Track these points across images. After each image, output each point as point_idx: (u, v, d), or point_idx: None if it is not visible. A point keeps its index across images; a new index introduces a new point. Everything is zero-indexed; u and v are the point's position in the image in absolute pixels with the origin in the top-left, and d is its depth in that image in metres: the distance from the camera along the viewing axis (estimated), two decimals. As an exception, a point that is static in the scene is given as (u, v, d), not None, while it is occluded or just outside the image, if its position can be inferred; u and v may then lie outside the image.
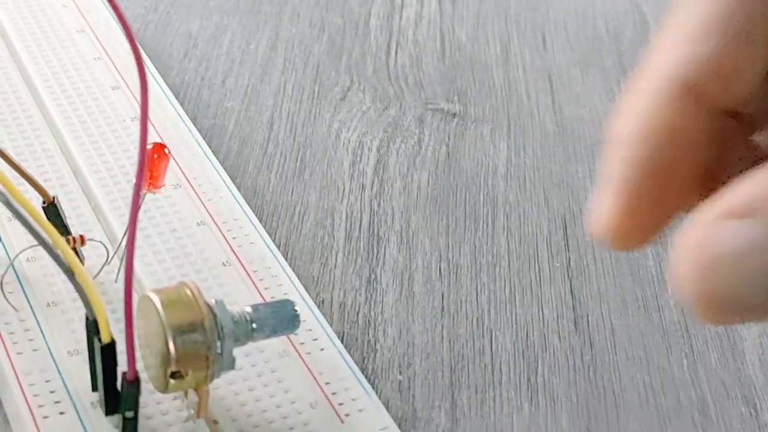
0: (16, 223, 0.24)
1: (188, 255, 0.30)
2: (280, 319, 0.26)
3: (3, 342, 0.26)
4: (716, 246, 0.21)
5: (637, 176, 0.24)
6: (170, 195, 0.32)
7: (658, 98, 0.23)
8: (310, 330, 0.28)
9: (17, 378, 0.26)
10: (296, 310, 0.26)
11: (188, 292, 0.24)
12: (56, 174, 0.32)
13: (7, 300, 0.27)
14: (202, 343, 0.24)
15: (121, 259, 0.29)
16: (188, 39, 0.41)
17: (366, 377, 0.28)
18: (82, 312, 0.24)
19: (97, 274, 0.29)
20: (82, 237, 0.28)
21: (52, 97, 0.35)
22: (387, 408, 0.28)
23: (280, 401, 0.26)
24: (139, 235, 0.26)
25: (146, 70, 0.22)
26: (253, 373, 0.27)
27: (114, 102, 0.35)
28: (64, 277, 0.23)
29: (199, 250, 0.30)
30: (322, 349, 0.28)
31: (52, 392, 0.26)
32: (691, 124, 0.24)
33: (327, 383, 0.27)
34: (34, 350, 0.26)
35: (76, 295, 0.24)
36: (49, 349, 0.27)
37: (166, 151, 0.28)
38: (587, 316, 0.32)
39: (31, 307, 0.28)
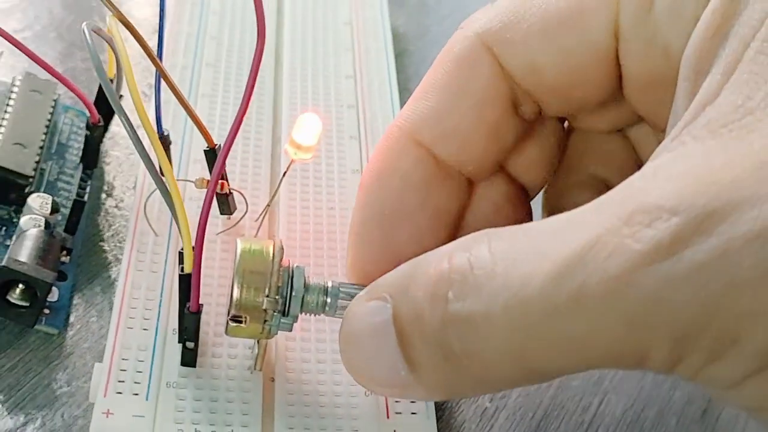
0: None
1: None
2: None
3: (130, 256, 0.29)
4: (351, 322, 0.23)
5: (366, 217, 0.24)
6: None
7: (390, 147, 0.26)
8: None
9: (124, 288, 0.28)
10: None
11: (270, 248, 0.26)
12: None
13: (149, 223, 0.30)
14: (264, 296, 0.25)
15: (263, 215, 0.31)
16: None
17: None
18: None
19: (234, 224, 0.31)
20: (223, 184, 0.30)
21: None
22: (459, 429, 0.27)
23: (339, 380, 0.27)
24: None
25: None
26: (329, 348, 0.28)
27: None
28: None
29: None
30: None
31: (148, 309, 0.28)
32: (422, 172, 0.26)
33: (394, 379, 0.27)
34: (153, 272, 0.29)
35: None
36: (164, 273, 0.29)
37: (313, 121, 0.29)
38: (721, 409, 0.30)
39: (169, 236, 0.30)
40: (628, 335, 0.19)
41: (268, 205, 0.31)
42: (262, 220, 0.31)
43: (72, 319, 0.29)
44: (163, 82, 0.28)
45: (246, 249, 0.25)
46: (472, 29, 0.26)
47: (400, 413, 0.27)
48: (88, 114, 0.32)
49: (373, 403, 0.27)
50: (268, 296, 0.25)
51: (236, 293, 0.25)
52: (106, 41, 0.28)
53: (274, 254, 0.26)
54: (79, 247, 0.31)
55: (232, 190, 0.31)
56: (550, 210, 0.28)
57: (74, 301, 0.30)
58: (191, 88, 0.36)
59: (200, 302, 0.26)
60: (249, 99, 0.25)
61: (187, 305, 0.26)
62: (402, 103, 0.37)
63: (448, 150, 0.26)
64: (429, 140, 0.26)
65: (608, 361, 0.20)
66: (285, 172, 0.30)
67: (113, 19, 0.27)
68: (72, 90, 0.31)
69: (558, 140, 0.28)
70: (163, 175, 0.25)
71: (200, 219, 0.25)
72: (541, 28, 0.25)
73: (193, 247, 0.25)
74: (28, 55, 0.30)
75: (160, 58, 0.29)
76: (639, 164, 0.27)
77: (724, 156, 0.19)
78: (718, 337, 0.19)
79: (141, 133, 0.25)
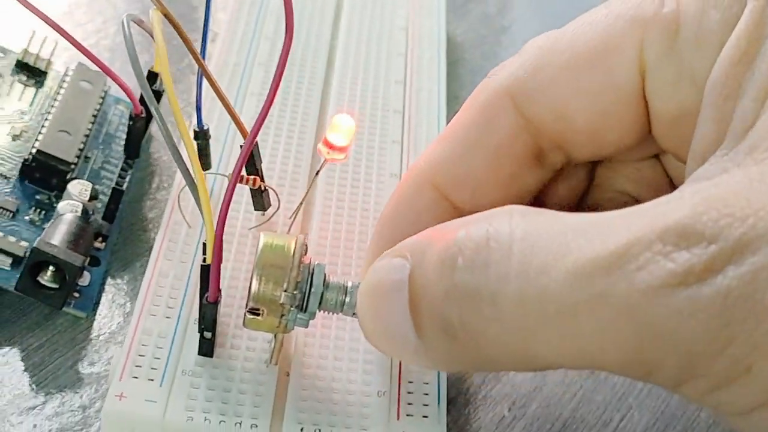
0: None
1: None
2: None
3: (161, 245, 0.30)
4: (372, 276, 0.23)
5: (379, 249, 0.25)
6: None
7: (408, 186, 0.26)
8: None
9: (152, 276, 0.29)
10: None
11: (292, 244, 0.26)
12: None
13: (182, 214, 0.31)
14: (282, 290, 0.25)
15: (296, 212, 0.31)
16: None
17: (467, 397, 0.28)
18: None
19: (267, 220, 0.31)
20: (255, 179, 0.30)
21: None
22: (474, 436, 0.27)
23: (354, 379, 0.27)
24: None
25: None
26: (347, 347, 0.28)
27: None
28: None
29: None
30: (426, 353, 0.28)
31: (172, 297, 0.28)
32: (435, 214, 0.26)
33: (410, 381, 0.27)
34: (182, 262, 0.29)
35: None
36: (192, 264, 0.29)
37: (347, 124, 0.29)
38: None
39: (201, 228, 0.30)
40: (639, 348, 0.19)
41: (301, 203, 0.31)
42: (295, 217, 0.31)
43: (102, 304, 0.30)
44: (204, 79, 0.29)
45: (268, 243, 0.26)
46: (499, 78, 0.26)
47: (411, 416, 0.26)
48: (136, 106, 0.32)
49: (385, 404, 0.27)
50: (286, 291, 0.25)
51: (254, 286, 0.25)
52: (149, 34, 0.28)
53: (295, 250, 0.26)
54: (115, 234, 0.32)
55: (266, 187, 0.31)
56: None
57: (106, 287, 0.30)
58: (240, 86, 0.36)
59: (221, 294, 0.26)
60: (275, 93, 0.25)
61: (206, 295, 0.26)
62: (449, 112, 0.37)
63: (461, 197, 0.26)
64: (443, 185, 0.26)
65: (614, 367, 0.20)
66: (318, 172, 0.30)
67: (156, 13, 0.28)
68: (117, 82, 0.31)
69: (586, 179, 0.28)
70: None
71: (220, 211, 0.25)
72: (566, 73, 0.24)
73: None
74: (76, 47, 0.31)
75: (203, 54, 0.30)
76: (671, 182, 0.27)
77: (765, 185, 0.19)
78: (730, 364, 0.19)
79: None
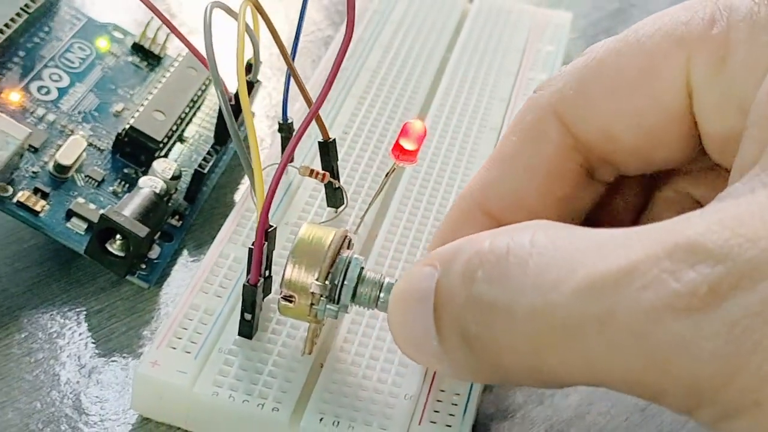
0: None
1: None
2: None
3: (229, 228, 0.30)
4: (403, 283, 0.24)
5: None
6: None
7: (459, 213, 0.26)
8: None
9: (213, 255, 0.30)
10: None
11: (331, 235, 0.26)
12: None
13: (254, 201, 0.31)
14: (313, 278, 0.26)
15: (366, 212, 0.31)
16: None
17: (504, 414, 0.28)
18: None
19: (335, 216, 0.32)
20: (324, 174, 0.30)
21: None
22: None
23: (385, 379, 0.27)
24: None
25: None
26: (385, 348, 0.28)
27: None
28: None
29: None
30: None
31: (227, 279, 0.29)
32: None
33: (441, 390, 0.27)
34: (244, 246, 0.30)
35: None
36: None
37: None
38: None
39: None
40: (645, 370, 0.19)
41: (370, 205, 0.31)
42: (364, 216, 0.31)
43: (168, 279, 0.31)
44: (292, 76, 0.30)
45: (306, 232, 0.26)
46: (545, 96, 0.25)
47: (434, 423, 0.26)
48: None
49: (410, 408, 0.26)
50: (317, 280, 0.26)
51: (287, 272, 0.26)
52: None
53: (332, 241, 0.26)
54: (194, 215, 0.33)
55: (339, 186, 0.31)
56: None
57: (176, 264, 0.32)
58: (343, 87, 0.37)
59: (267, 279, 0.27)
60: (330, 86, 0.26)
61: (247, 278, 0.27)
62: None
63: (516, 221, 0.25)
64: (497, 211, 0.26)
65: (622, 387, 0.20)
66: (387, 174, 0.31)
67: (246, 3, 0.29)
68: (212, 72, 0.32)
69: (643, 193, 0.27)
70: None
71: (267, 196, 0.26)
72: (612, 92, 0.24)
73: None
74: (180, 39, 0.32)
75: (294, 54, 0.31)
76: None
77: None
78: (738, 396, 0.18)
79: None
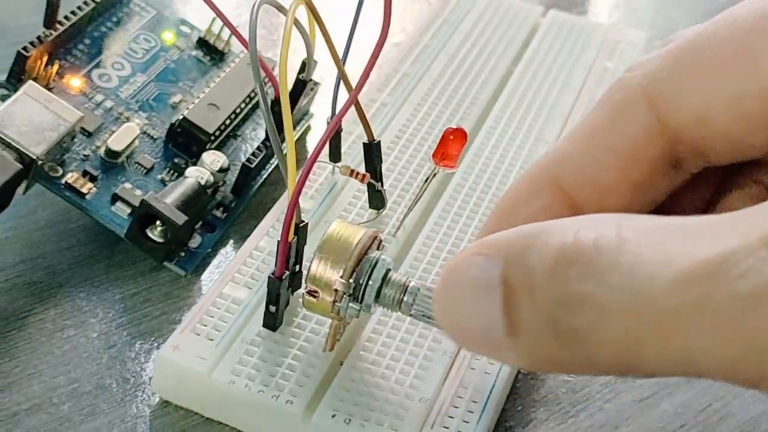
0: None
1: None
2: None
3: (268, 222, 0.31)
4: (453, 273, 0.23)
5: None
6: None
7: (527, 182, 0.26)
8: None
9: (248, 247, 0.30)
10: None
11: (359, 236, 0.26)
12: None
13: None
14: (337, 276, 0.26)
15: (405, 215, 0.31)
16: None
17: (523, 429, 0.27)
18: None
19: (374, 218, 0.32)
20: (364, 175, 0.31)
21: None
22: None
23: (402, 380, 0.27)
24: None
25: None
26: (408, 350, 0.28)
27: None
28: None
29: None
30: (486, 372, 0.28)
31: (259, 271, 0.29)
32: (552, 215, 0.24)
33: (459, 396, 0.27)
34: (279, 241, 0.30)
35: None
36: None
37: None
38: None
39: (312, 215, 0.32)
40: (744, 357, 0.19)
41: (410, 209, 0.31)
42: (403, 220, 0.31)
43: (207, 268, 0.32)
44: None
45: (336, 229, 0.26)
46: (636, 78, 0.25)
47: (446, 428, 0.26)
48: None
49: (424, 411, 0.26)
50: (341, 278, 0.26)
51: (313, 267, 0.26)
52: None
53: (359, 240, 0.26)
54: (240, 208, 0.33)
55: (380, 188, 0.31)
56: None
57: (217, 255, 0.32)
58: (401, 93, 0.37)
59: (296, 274, 0.27)
60: (362, 84, 0.26)
61: (273, 270, 0.27)
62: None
63: (587, 199, 0.25)
64: (568, 186, 0.25)
65: (719, 375, 0.19)
66: (428, 179, 0.31)
67: (298, 2, 0.29)
68: (264, 70, 0.33)
69: (717, 182, 0.26)
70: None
71: (294, 191, 0.26)
72: (708, 74, 0.23)
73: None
74: (239, 39, 0.32)
75: (345, 57, 0.31)
76: None
77: None
78: None
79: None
